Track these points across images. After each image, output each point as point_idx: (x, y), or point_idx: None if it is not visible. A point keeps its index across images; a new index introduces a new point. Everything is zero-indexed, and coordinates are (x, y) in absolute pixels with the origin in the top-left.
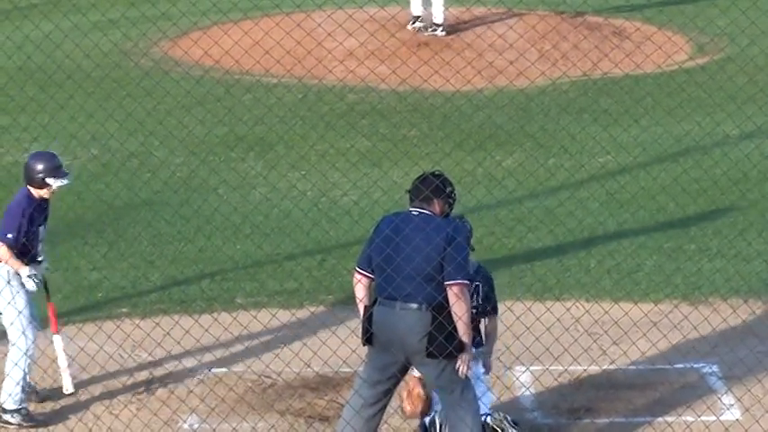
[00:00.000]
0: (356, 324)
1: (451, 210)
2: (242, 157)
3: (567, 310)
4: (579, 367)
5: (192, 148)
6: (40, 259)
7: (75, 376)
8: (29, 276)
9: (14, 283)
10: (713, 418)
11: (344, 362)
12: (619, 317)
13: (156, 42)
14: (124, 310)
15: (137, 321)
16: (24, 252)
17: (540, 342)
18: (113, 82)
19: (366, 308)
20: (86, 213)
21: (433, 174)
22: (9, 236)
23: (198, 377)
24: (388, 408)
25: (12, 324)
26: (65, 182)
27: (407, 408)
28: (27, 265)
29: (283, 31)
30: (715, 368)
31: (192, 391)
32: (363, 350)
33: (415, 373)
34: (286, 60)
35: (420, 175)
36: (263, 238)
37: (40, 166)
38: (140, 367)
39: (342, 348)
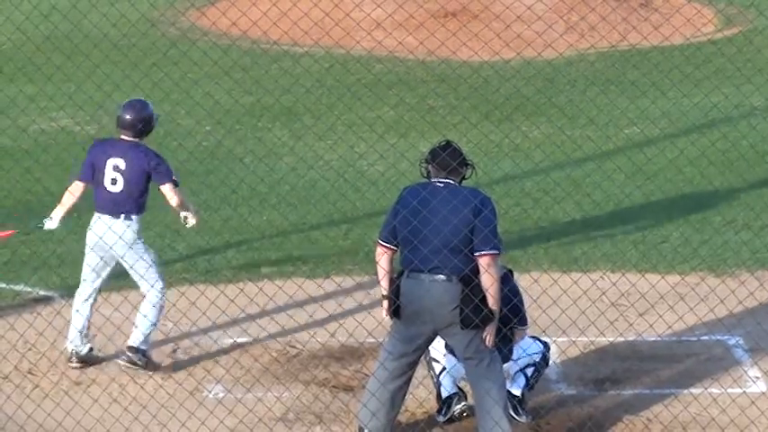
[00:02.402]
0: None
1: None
2: (268, 127)
3: (594, 282)
4: (605, 339)
5: (218, 117)
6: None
7: (100, 347)
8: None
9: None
10: (739, 390)
11: (370, 333)
12: (645, 289)
13: (183, 12)
14: None
15: None
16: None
17: (566, 314)
18: (140, 51)
19: (392, 280)
20: None
21: (449, 145)
22: (175, 178)
23: (223, 347)
24: (413, 380)
25: (143, 277)
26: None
27: None
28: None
29: (311, 2)
30: (741, 341)
31: (217, 362)
32: (388, 321)
33: (440, 344)
34: (313, 31)
35: (441, 147)
36: (290, 208)
37: (149, 111)
38: (166, 337)
39: (367, 319)
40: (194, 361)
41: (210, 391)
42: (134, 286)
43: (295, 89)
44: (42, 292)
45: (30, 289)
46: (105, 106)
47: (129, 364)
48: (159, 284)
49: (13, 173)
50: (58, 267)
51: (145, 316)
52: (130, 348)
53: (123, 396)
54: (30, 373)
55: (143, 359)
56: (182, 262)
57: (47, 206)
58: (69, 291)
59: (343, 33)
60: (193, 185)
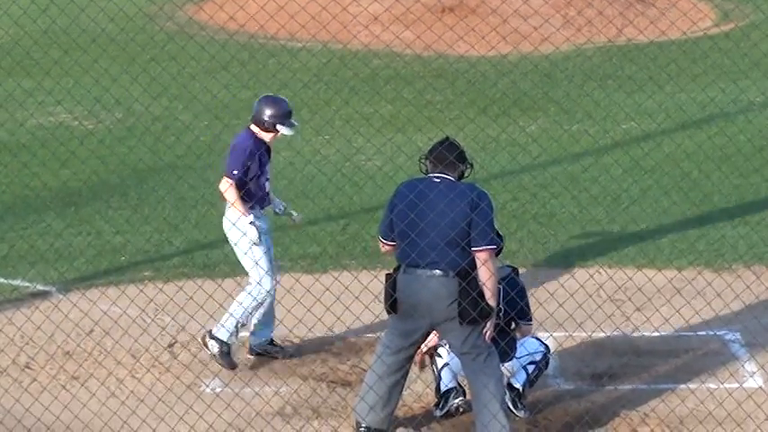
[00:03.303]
0: (379, 289)
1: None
2: None
3: (591, 276)
4: (602, 334)
5: (216, 112)
6: (265, 206)
7: (98, 341)
8: (250, 224)
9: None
10: (736, 385)
11: (367, 327)
12: (642, 283)
13: (181, 6)
14: (147, 273)
15: (160, 285)
16: (251, 195)
17: (564, 308)
18: (138, 46)
19: (388, 275)
20: (110, 177)
21: (447, 140)
22: (235, 172)
23: None
24: (411, 374)
25: (252, 268)
26: (291, 132)
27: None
28: (253, 208)
29: None
30: (738, 335)
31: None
32: (386, 316)
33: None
34: (311, 25)
35: (440, 142)
36: (287, 202)
37: (273, 110)
38: (163, 331)
39: (365, 314)
40: (192, 355)
41: (208, 385)
42: (132, 281)
43: (292, 84)
44: (40, 287)
45: (27, 283)
46: (103, 101)
47: (203, 346)
48: (266, 282)
49: (10, 167)
50: (55, 262)
51: (240, 303)
52: (210, 335)
53: (121, 390)
54: (27, 367)
55: (218, 349)
56: (179, 256)
57: (44, 201)
58: (67, 285)
59: (341, 28)
60: (191, 180)
